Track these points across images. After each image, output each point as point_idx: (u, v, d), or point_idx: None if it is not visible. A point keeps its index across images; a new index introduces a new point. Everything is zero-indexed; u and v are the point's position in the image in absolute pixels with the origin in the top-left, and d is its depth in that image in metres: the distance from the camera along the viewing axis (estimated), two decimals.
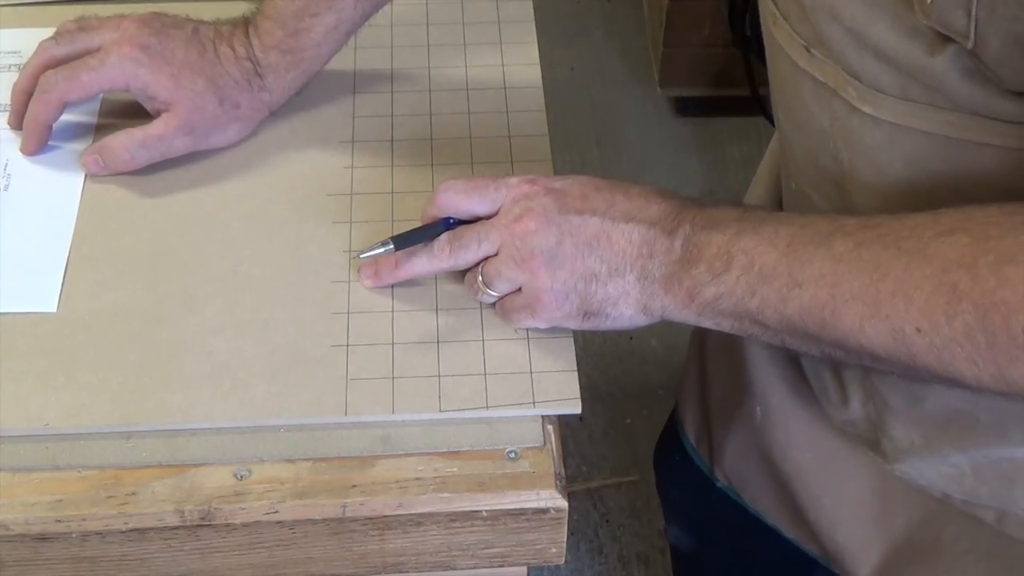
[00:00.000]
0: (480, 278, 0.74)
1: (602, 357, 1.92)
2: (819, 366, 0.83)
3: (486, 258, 0.73)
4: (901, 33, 0.62)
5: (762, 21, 0.78)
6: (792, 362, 0.87)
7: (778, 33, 0.73)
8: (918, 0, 0.60)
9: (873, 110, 0.67)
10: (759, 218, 0.68)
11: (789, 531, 0.92)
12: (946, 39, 0.60)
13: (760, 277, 0.66)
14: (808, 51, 0.70)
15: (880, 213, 0.65)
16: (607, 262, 0.70)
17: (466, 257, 0.74)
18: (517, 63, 0.94)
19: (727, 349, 0.95)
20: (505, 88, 0.92)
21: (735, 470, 0.96)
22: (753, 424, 0.91)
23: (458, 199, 0.74)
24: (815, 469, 0.88)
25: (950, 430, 0.76)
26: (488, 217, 0.74)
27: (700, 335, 1.02)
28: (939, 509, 0.81)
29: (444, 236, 0.75)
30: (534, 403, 0.73)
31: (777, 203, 0.92)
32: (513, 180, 0.73)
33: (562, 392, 0.73)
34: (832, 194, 0.74)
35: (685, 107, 2.24)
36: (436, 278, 0.79)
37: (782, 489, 0.91)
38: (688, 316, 0.70)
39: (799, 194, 0.79)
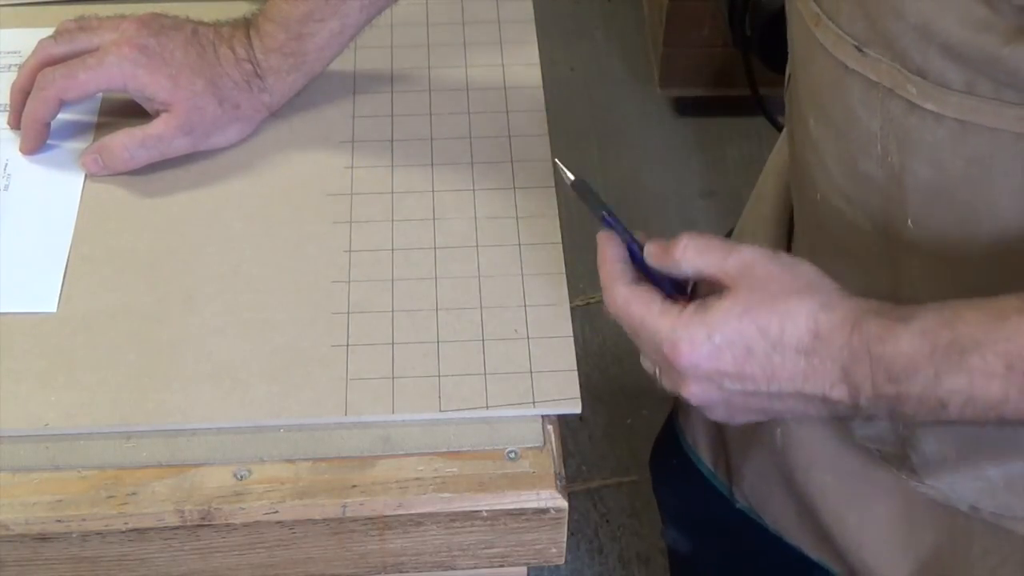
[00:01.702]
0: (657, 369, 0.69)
1: (602, 357, 1.92)
2: None
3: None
4: (972, 26, 0.61)
5: (793, 25, 0.75)
6: None
7: (822, 35, 0.70)
8: None
9: (936, 107, 0.65)
10: (949, 363, 0.60)
11: (812, 552, 0.91)
12: None
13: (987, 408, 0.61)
14: (859, 51, 0.67)
15: (930, 215, 0.62)
16: (776, 415, 0.67)
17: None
18: (517, 63, 0.94)
19: None
20: (505, 88, 0.92)
21: (755, 492, 0.95)
22: (774, 447, 0.90)
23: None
24: (838, 489, 0.87)
25: (987, 443, 0.75)
26: None
27: None
28: (966, 524, 0.80)
29: (613, 310, 0.68)
30: (534, 403, 0.73)
31: (786, 222, 0.90)
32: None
33: (562, 392, 0.73)
34: (870, 202, 0.72)
35: (685, 107, 2.24)
36: (435, 277, 0.79)
37: (805, 510, 0.90)
38: None
39: (824, 205, 0.77)
